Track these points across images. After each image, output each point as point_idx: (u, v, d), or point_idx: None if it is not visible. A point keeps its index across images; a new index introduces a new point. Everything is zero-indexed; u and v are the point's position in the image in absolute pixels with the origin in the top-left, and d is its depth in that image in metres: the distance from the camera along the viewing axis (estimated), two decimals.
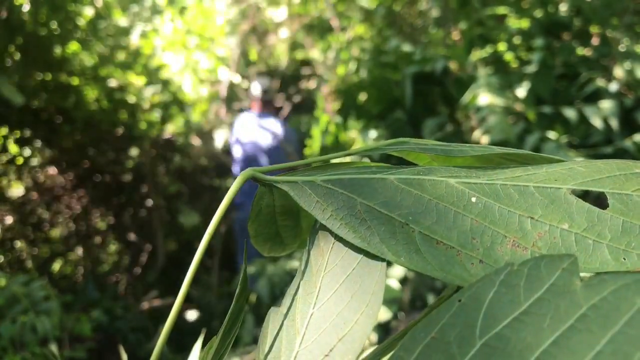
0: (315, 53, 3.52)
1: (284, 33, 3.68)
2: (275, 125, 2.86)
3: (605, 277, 0.18)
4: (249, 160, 2.82)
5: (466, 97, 2.14)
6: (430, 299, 1.77)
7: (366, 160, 1.91)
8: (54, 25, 2.18)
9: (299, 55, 3.74)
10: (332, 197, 0.28)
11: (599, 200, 0.26)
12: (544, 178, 0.26)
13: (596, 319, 0.18)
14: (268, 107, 2.90)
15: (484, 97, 1.97)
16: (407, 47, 2.42)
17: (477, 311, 0.20)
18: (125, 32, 2.57)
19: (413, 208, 0.26)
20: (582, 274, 0.20)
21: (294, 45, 3.83)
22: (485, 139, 1.92)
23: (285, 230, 0.37)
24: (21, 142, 2.52)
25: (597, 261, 0.23)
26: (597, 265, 0.23)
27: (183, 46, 3.36)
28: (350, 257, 0.27)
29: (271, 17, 3.73)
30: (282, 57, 3.80)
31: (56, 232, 2.82)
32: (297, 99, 3.94)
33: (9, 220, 2.60)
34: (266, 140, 2.80)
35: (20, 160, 2.56)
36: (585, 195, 0.26)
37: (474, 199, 0.26)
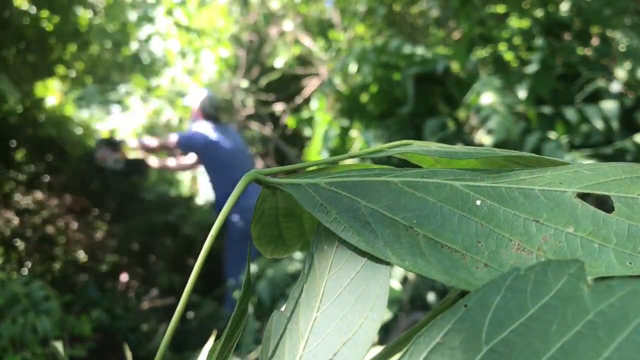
0: (316, 50, 3.52)
1: (289, 25, 3.67)
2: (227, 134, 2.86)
3: (612, 283, 0.18)
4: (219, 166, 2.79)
5: (468, 97, 2.14)
6: (430, 298, 1.77)
7: (369, 162, 1.92)
8: (50, 27, 2.18)
9: (297, 50, 3.73)
10: (335, 200, 0.28)
11: (604, 203, 0.25)
12: (549, 181, 0.26)
13: (603, 325, 0.18)
14: (213, 119, 2.86)
15: (487, 97, 1.97)
16: (408, 49, 2.42)
17: (483, 316, 0.20)
18: (126, 38, 2.57)
19: (417, 211, 0.26)
20: (589, 279, 0.20)
21: (295, 42, 3.83)
22: (488, 139, 1.92)
23: (288, 232, 0.37)
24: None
25: (603, 265, 0.23)
26: (603, 269, 0.23)
27: (187, 44, 3.37)
28: (354, 260, 0.27)
29: (274, 10, 3.74)
30: (283, 54, 3.79)
31: (56, 232, 2.82)
32: (297, 96, 3.93)
33: (9, 220, 2.60)
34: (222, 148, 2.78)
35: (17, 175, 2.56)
36: (587, 197, 0.25)
37: (478, 202, 0.26)
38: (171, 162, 2.94)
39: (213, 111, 2.85)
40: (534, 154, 0.30)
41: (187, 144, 2.74)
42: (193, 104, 2.85)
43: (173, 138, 2.78)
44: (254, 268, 2.36)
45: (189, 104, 2.92)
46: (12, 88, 2.04)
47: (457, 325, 0.20)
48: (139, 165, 2.88)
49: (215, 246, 3.05)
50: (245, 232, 2.74)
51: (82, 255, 2.83)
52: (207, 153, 2.75)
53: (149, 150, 2.86)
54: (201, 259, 0.28)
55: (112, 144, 2.73)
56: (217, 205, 2.91)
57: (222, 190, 2.77)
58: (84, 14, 2.35)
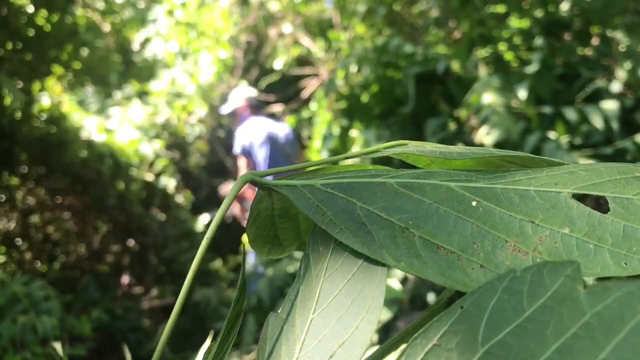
0: (316, 51, 3.52)
1: (288, 28, 3.66)
2: (278, 126, 2.83)
3: (608, 284, 0.18)
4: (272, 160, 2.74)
5: (468, 97, 2.13)
6: (430, 298, 1.76)
7: (367, 162, 1.91)
8: (48, 28, 2.17)
9: (297, 51, 3.72)
10: (331, 201, 0.28)
11: (599, 204, 0.25)
12: (545, 182, 0.26)
13: (600, 327, 0.18)
14: (258, 110, 2.84)
15: (487, 97, 1.97)
16: (409, 48, 2.42)
17: (480, 318, 0.20)
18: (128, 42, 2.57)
19: (413, 212, 0.26)
20: (586, 280, 0.19)
21: (295, 43, 3.82)
22: (488, 139, 1.92)
23: (284, 233, 0.37)
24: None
25: (599, 266, 0.23)
26: (599, 270, 0.23)
27: (186, 43, 3.36)
28: (350, 261, 0.27)
29: (273, 12, 3.73)
30: (282, 55, 3.78)
31: (57, 232, 2.82)
32: (296, 97, 3.94)
33: (10, 220, 2.60)
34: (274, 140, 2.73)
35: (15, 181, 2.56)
36: (585, 199, 0.25)
37: (474, 203, 0.26)
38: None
39: (256, 103, 2.84)
40: (529, 154, 0.30)
41: (244, 149, 2.70)
42: (237, 104, 2.81)
43: (238, 155, 2.77)
44: (256, 269, 2.35)
45: (232, 107, 2.84)
46: (14, 88, 2.04)
47: (453, 327, 0.20)
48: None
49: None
50: None
51: (82, 256, 2.83)
52: (257, 151, 2.69)
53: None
54: (197, 260, 0.28)
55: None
56: None
57: None
58: (82, 13, 2.35)
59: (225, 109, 2.91)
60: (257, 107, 2.84)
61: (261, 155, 2.70)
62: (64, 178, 2.77)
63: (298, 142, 3.00)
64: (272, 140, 2.71)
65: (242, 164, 2.77)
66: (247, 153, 2.70)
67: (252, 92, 2.87)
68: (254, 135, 2.69)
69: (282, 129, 2.84)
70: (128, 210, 3.03)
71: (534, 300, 0.19)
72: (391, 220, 0.26)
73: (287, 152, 2.78)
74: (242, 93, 2.83)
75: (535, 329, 0.19)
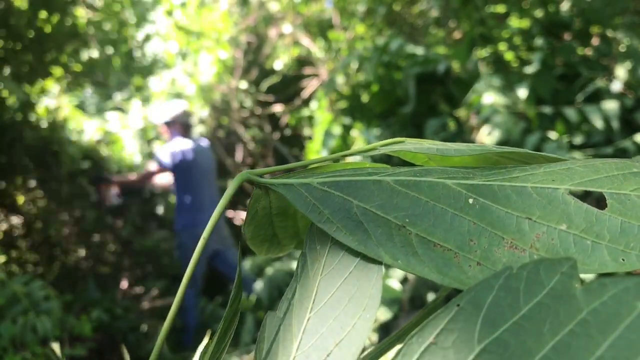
0: (316, 51, 3.52)
1: (288, 28, 3.66)
2: (202, 149, 2.79)
3: (605, 280, 0.18)
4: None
5: (469, 97, 2.13)
6: (430, 298, 1.76)
7: (366, 160, 1.91)
8: (48, 29, 2.17)
9: (296, 51, 3.71)
10: (328, 200, 0.28)
11: (597, 200, 0.25)
12: (542, 178, 0.26)
13: (596, 324, 0.18)
14: (187, 130, 2.79)
15: (488, 97, 1.97)
16: (410, 48, 2.42)
17: (476, 316, 0.20)
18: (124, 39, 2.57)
19: (410, 210, 0.26)
20: (581, 276, 0.19)
21: (295, 43, 3.82)
22: (488, 139, 1.92)
23: (282, 231, 0.37)
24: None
25: (596, 262, 0.23)
26: (596, 266, 0.23)
27: (185, 45, 3.36)
28: (346, 260, 0.27)
29: (273, 12, 3.73)
30: (282, 55, 3.79)
31: (57, 232, 2.82)
32: (296, 97, 3.93)
33: (11, 221, 2.60)
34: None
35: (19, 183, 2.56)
36: (584, 196, 0.25)
37: (471, 201, 0.25)
38: (158, 179, 2.92)
39: (190, 123, 2.80)
40: (527, 150, 0.30)
41: (167, 165, 2.68)
42: (168, 118, 2.73)
43: (154, 164, 2.76)
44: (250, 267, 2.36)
45: (163, 119, 2.75)
46: (17, 87, 2.04)
47: (449, 325, 0.20)
48: (136, 191, 2.95)
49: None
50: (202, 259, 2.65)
51: (82, 256, 2.83)
52: (182, 173, 2.68)
53: (140, 180, 2.85)
54: (193, 261, 0.28)
55: (106, 179, 2.75)
56: (177, 224, 2.76)
57: (184, 212, 2.69)
58: (82, 14, 2.35)
59: (161, 119, 2.82)
60: (187, 127, 2.78)
61: (185, 177, 2.69)
62: (65, 183, 2.77)
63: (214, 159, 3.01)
64: (197, 165, 2.70)
65: (166, 176, 2.77)
66: (175, 170, 2.67)
67: (186, 109, 2.78)
68: (183, 157, 2.66)
69: (206, 152, 2.82)
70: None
71: (530, 297, 0.19)
72: (388, 218, 0.26)
73: (210, 177, 2.79)
74: (177, 109, 2.74)
75: (532, 327, 0.19)
